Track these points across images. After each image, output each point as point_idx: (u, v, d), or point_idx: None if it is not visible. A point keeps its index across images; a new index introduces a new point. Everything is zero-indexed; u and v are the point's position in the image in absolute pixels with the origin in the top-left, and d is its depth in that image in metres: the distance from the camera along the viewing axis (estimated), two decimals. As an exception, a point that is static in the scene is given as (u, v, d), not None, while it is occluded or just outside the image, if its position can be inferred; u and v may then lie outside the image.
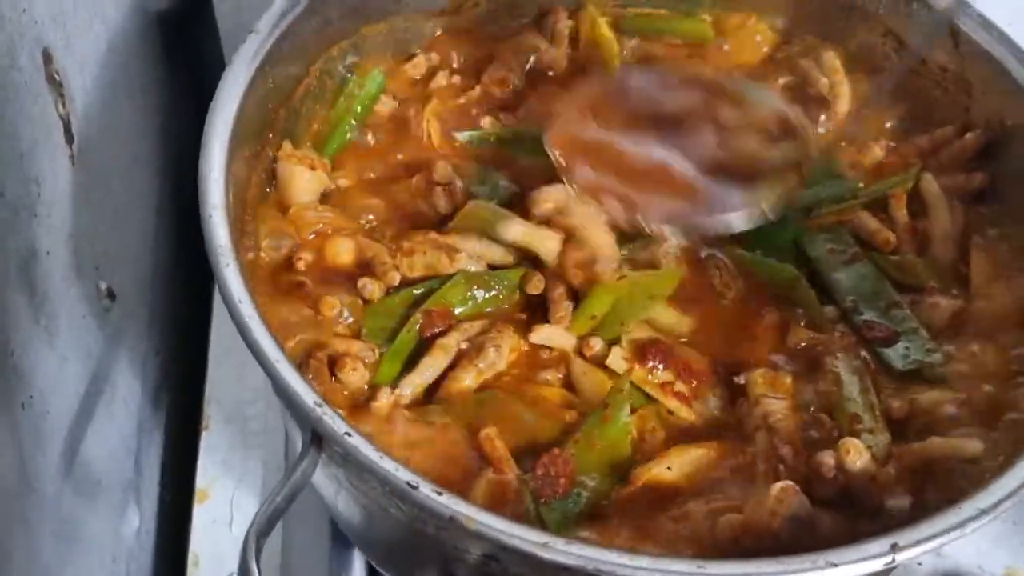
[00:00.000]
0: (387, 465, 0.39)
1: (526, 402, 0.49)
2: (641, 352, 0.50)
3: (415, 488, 0.39)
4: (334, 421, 0.40)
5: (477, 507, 0.38)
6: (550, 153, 0.54)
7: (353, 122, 0.60)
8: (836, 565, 0.37)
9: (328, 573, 0.60)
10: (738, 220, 0.53)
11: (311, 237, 0.54)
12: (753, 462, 0.47)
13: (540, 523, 0.44)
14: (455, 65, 0.64)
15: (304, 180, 0.55)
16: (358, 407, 0.48)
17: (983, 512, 0.39)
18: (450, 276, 0.52)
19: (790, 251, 0.56)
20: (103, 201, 0.58)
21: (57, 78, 0.51)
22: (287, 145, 0.56)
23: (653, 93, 0.58)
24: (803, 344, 0.52)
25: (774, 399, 0.48)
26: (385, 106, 0.61)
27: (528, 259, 0.54)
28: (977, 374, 0.50)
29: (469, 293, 0.52)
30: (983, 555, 0.62)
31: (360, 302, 0.51)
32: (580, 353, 0.51)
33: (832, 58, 0.63)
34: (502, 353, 0.50)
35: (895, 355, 0.51)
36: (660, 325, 0.53)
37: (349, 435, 0.40)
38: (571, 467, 0.45)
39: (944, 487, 0.45)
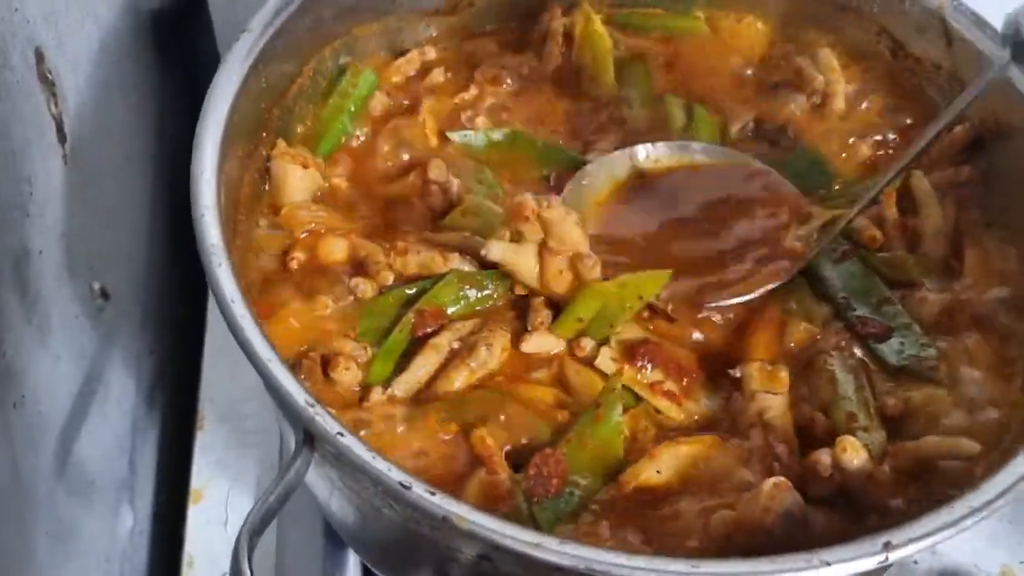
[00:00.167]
0: (380, 465, 0.39)
1: (519, 402, 0.49)
2: (630, 352, 0.50)
3: (408, 488, 0.38)
4: (326, 421, 0.40)
5: (470, 507, 0.38)
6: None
7: (346, 120, 0.60)
8: (829, 564, 0.37)
9: (322, 574, 0.60)
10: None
11: (304, 236, 0.54)
12: (747, 458, 0.47)
13: (533, 522, 0.44)
14: (448, 64, 0.64)
15: (297, 179, 0.55)
16: (351, 407, 0.48)
17: (975, 510, 0.40)
18: (443, 275, 0.52)
19: None
20: (96, 200, 0.58)
21: (49, 77, 0.51)
22: (281, 143, 0.56)
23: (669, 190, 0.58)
24: (800, 340, 0.52)
25: (770, 395, 0.48)
26: (379, 103, 0.61)
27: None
28: (973, 367, 0.50)
29: (461, 292, 0.52)
30: (979, 554, 0.62)
31: (353, 301, 0.51)
32: (571, 354, 0.51)
33: (829, 55, 0.63)
34: (494, 352, 0.50)
35: (889, 351, 0.51)
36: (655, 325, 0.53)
37: (342, 435, 0.40)
38: (563, 467, 0.45)
39: (940, 485, 0.45)
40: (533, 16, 0.66)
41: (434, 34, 0.65)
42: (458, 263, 0.53)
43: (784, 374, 0.49)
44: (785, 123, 0.62)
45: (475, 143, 0.59)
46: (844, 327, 0.53)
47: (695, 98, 0.63)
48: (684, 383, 0.50)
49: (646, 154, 0.59)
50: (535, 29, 0.66)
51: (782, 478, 0.43)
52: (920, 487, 0.45)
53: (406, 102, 0.62)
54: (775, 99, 0.63)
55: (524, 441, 0.47)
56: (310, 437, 0.41)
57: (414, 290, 0.52)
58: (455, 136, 0.60)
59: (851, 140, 0.62)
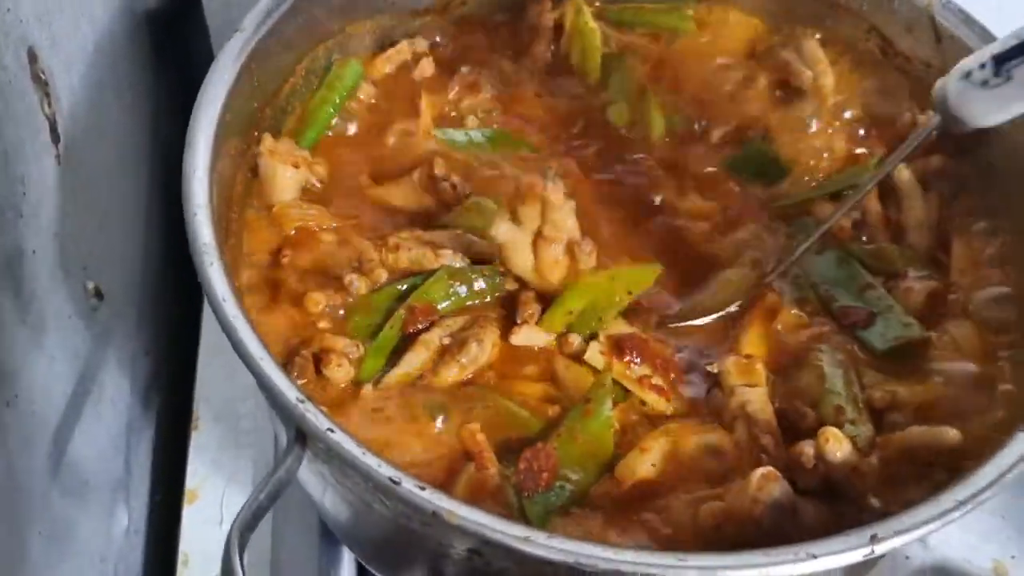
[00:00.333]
0: (369, 461, 0.39)
1: (509, 397, 0.49)
2: (618, 347, 0.50)
3: (397, 484, 0.39)
4: (317, 417, 0.40)
5: (459, 502, 0.39)
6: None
7: (332, 111, 0.60)
8: (816, 556, 0.38)
9: (317, 571, 0.60)
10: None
11: (294, 233, 0.54)
12: (734, 448, 0.47)
13: (523, 517, 0.44)
14: (437, 59, 0.65)
15: (286, 177, 0.55)
16: (343, 404, 0.48)
17: (961, 503, 0.40)
18: (434, 272, 0.52)
19: None
20: (90, 200, 0.58)
21: (43, 77, 0.51)
22: (267, 139, 0.56)
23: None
24: (789, 326, 0.53)
25: (748, 388, 0.48)
26: (366, 94, 0.61)
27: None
28: (960, 353, 0.51)
29: (451, 288, 0.52)
30: (971, 549, 0.62)
31: (344, 298, 0.51)
32: (560, 349, 0.51)
33: (814, 47, 0.64)
34: (484, 348, 0.50)
35: (874, 336, 0.52)
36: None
37: (332, 431, 0.40)
38: (553, 461, 0.46)
39: (926, 477, 0.45)
40: (524, 11, 0.66)
41: (426, 32, 0.65)
42: (449, 259, 0.53)
43: (760, 367, 0.50)
44: (766, 127, 0.62)
45: (458, 140, 0.59)
46: (829, 320, 0.53)
47: (681, 98, 0.64)
48: (671, 377, 0.50)
49: None
50: (524, 26, 0.66)
51: (770, 468, 0.44)
52: (906, 475, 0.45)
53: (397, 94, 0.62)
54: (761, 98, 0.63)
55: (514, 436, 0.48)
56: (301, 434, 0.41)
57: (405, 286, 0.52)
58: (438, 133, 0.60)
59: (835, 134, 0.62)
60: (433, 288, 0.52)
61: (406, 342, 0.50)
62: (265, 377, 0.42)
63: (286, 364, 0.48)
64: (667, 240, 0.57)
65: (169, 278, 0.74)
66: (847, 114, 0.63)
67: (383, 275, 0.52)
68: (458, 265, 0.53)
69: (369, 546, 0.57)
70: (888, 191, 0.58)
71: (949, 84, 0.49)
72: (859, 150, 0.62)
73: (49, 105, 0.51)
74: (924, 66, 0.62)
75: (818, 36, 0.65)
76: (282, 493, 0.41)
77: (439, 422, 0.48)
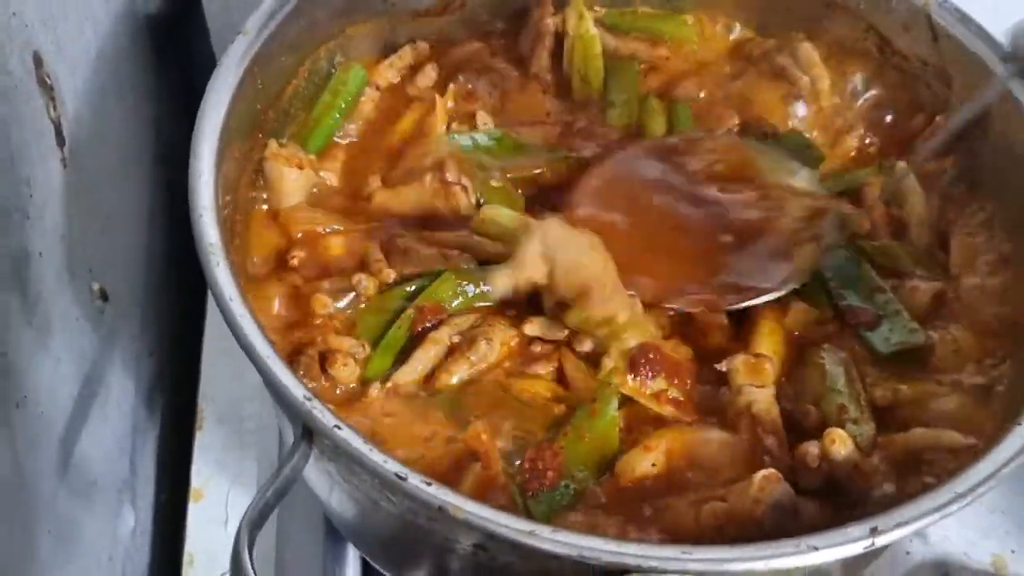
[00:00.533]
0: (376, 457, 0.40)
1: (516, 396, 0.50)
2: (632, 363, 0.49)
3: (404, 479, 0.39)
4: (323, 415, 0.41)
5: (465, 496, 0.39)
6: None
7: (337, 117, 0.60)
8: (817, 549, 0.38)
9: (323, 568, 0.61)
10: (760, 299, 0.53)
11: (300, 235, 0.54)
12: (738, 449, 0.47)
13: (527, 516, 0.44)
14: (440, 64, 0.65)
15: (292, 180, 0.56)
16: (350, 402, 0.48)
17: (959, 496, 0.40)
18: (442, 273, 0.53)
19: None
20: (95, 203, 0.59)
21: (48, 81, 0.51)
22: (273, 143, 0.56)
23: (674, 169, 0.58)
24: (798, 320, 0.53)
25: (756, 388, 0.49)
26: (370, 100, 0.62)
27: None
28: (960, 356, 0.51)
29: (459, 288, 0.52)
30: (970, 544, 0.63)
31: (352, 299, 0.52)
32: (570, 347, 0.52)
33: (809, 51, 0.64)
34: (493, 346, 0.50)
35: (878, 339, 0.52)
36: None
37: (339, 428, 0.40)
38: (559, 460, 0.46)
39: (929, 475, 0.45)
40: (524, 15, 0.67)
41: (427, 34, 0.66)
42: (457, 260, 0.53)
43: (768, 367, 0.50)
44: (768, 128, 0.62)
45: (464, 145, 0.60)
46: (833, 316, 0.53)
47: (681, 101, 0.64)
48: (688, 386, 0.50)
49: None
50: (525, 31, 0.66)
51: (772, 470, 0.44)
52: (907, 475, 0.46)
53: (400, 98, 0.62)
54: (760, 103, 0.63)
55: (521, 435, 0.48)
56: (308, 431, 0.42)
57: (414, 287, 0.52)
58: (443, 140, 0.60)
59: (836, 135, 0.63)
60: (441, 288, 0.52)
61: (414, 342, 0.51)
62: (272, 376, 0.42)
63: (291, 363, 0.48)
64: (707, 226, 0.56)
65: (173, 279, 0.74)
66: (847, 115, 0.63)
67: (391, 276, 0.52)
68: (465, 266, 0.53)
69: (375, 543, 0.57)
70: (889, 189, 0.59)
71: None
72: (859, 148, 0.62)
73: (54, 109, 0.52)
74: (921, 64, 0.63)
75: (807, 41, 0.65)
76: (289, 490, 0.41)
77: (446, 421, 0.48)
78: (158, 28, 0.74)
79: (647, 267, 0.53)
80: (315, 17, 0.59)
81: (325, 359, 0.49)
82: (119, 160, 0.65)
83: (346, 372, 0.48)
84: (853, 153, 0.62)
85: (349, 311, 0.51)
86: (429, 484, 0.39)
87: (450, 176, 0.56)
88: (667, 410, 0.49)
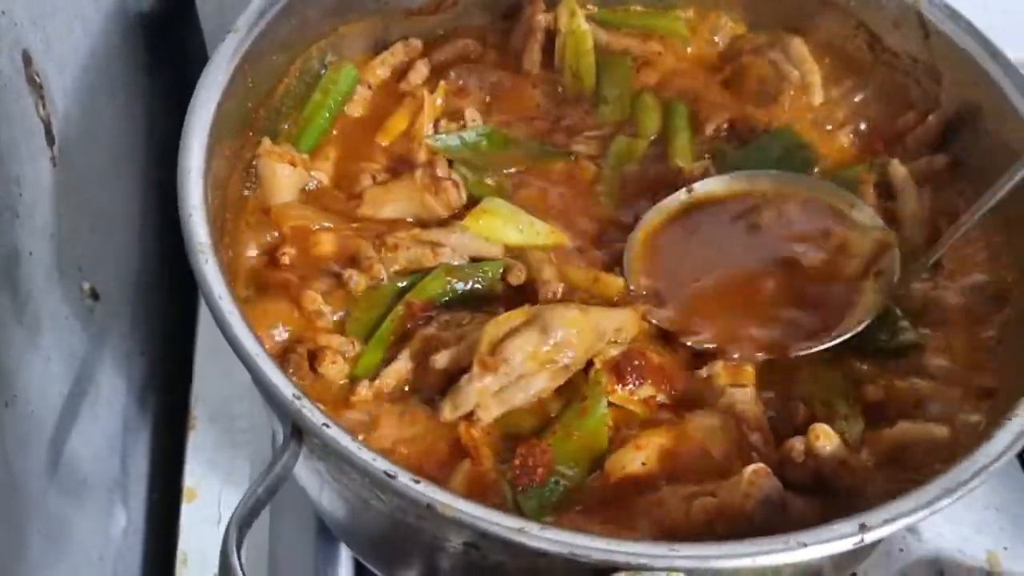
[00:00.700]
0: (365, 455, 0.40)
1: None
2: (618, 371, 0.49)
3: (393, 477, 0.39)
4: (312, 413, 0.41)
5: (454, 494, 0.39)
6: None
7: (328, 116, 0.60)
8: (806, 545, 0.38)
9: (315, 568, 0.61)
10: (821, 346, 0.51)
11: (291, 232, 0.54)
12: (727, 446, 0.47)
13: (518, 511, 0.44)
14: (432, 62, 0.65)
15: (285, 177, 0.56)
16: (338, 400, 0.48)
17: (948, 492, 0.40)
18: (432, 269, 0.53)
19: None
20: (85, 201, 0.59)
21: (37, 80, 0.51)
22: (266, 141, 0.56)
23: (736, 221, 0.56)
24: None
25: (738, 388, 0.49)
26: (361, 98, 0.62)
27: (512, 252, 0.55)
28: (953, 353, 0.51)
29: (449, 285, 0.52)
30: (964, 541, 0.63)
31: (342, 296, 0.52)
32: None
33: (799, 45, 0.64)
34: (482, 343, 0.50)
35: (869, 336, 0.52)
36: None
37: (327, 426, 0.40)
38: (548, 457, 0.46)
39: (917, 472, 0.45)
40: (516, 12, 0.67)
41: (419, 32, 0.66)
42: (448, 258, 0.53)
43: (749, 368, 0.50)
44: (758, 125, 0.62)
45: (451, 144, 0.60)
46: None
47: (673, 98, 0.64)
48: (673, 389, 0.50)
49: (699, 188, 0.57)
50: (517, 27, 0.66)
51: (761, 465, 0.44)
52: (895, 471, 0.46)
53: (391, 95, 0.62)
54: (751, 98, 0.63)
55: (510, 432, 0.48)
56: (297, 430, 0.42)
57: (404, 283, 0.52)
58: (431, 140, 0.60)
59: (827, 132, 0.63)
60: (431, 285, 0.52)
61: (405, 339, 0.50)
62: (261, 374, 0.42)
63: (281, 361, 0.48)
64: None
65: (164, 278, 0.74)
66: (838, 111, 0.63)
67: (381, 273, 0.52)
68: (456, 263, 0.53)
69: (366, 542, 0.57)
70: (883, 185, 0.59)
71: None
72: (852, 146, 0.62)
73: (44, 107, 0.52)
74: (911, 61, 0.63)
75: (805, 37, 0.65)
76: (279, 488, 0.41)
77: (435, 418, 0.48)
78: (150, 26, 0.74)
79: (712, 314, 0.52)
80: (307, 16, 0.59)
81: (314, 357, 0.49)
82: (110, 159, 0.65)
83: (335, 370, 0.48)
84: (844, 150, 0.62)
85: (338, 308, 0.51)
86: (418, 482, 0.39)
87: (440, 171, 0.56)
88: (656, 414, 0.49)
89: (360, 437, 0.41)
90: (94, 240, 0.60)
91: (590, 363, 0.50)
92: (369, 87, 0.63)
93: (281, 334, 0.50)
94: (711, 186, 0.58)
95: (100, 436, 0.60)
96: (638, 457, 0.47)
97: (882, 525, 0.39)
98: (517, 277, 0.53)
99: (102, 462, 0.61)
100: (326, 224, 0.55)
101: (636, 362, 0.49)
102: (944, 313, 0.54)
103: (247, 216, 0.55)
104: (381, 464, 0.39)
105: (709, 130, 0.62)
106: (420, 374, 0.49)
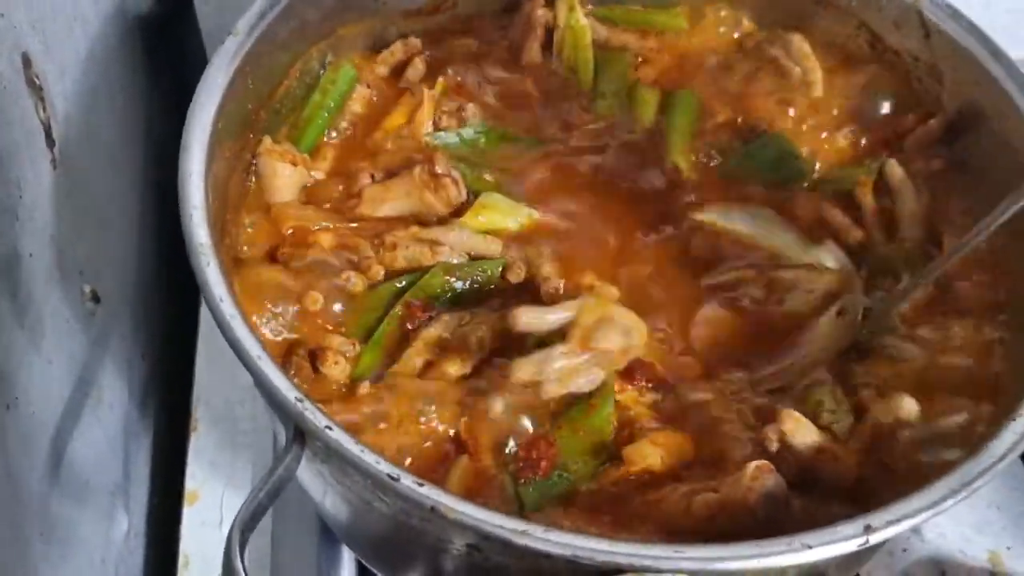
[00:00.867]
0: (368, 458, 0.39)
1: (507, 390, 0.49)
2: (627, 372, 0.49)
3: (396, 480, 0.39)
4: (315, 416, 0.41)
5: (457, 497, 0.39)
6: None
7: (327, 115, 0.60)
8: (811, 547, 0.38)
9: (317, 570, 0.61)
10: None
11: (290, 232, 0.54)
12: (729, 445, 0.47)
13: (517, 500, 0.45)
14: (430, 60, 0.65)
15: (285, 176, 0.56)
16: (340, 400, 0.48)
17: (953, 492, 0.40)
18: (431, 268, 0.53)
19: None
20: (86, 204, 0.59)
21: (37, 82, 0.51)
22: (267, 140, 0.56)
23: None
24: None
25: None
26: (360, 97, 0.62)
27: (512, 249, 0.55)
28: (954, 351, 0.51)
29: (448, 284, 0.52)
30: (966, 541, 0.63)
31: (343, 296, 0.52)
32: None
33: (800, 41, 0.64)
34: (485, 344, 0.50)
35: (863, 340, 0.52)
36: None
37: (330, 429, 0.40)
38: (553, 451, 0.46)
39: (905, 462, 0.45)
40: (515, 8, 0.66)
41: (418, 33, 0.66)
42: (446, 256, 0.53)
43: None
44: (759, 121, 0.62)
45: (450, 142, 0.60)
46: None
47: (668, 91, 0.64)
48: (677, 398, 0.50)
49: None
50: (515, 22, 0.66)
51: (764, 461, 0.44)
52: (880, 460, 0.46)
53: (390, 94, 0.62)
54: (752, 95, 0.63)
55: (513, 428, 0.48)
56: (300, 433, 0.42)
57: (403, 283, 0.52)
58: (430, 138, 0.60)
59: (827, 132, 0.63)
60: (430, 284, 0.52)
61: (405, 339, 0.51)
62: (263, 376, 0.42)
63: (283, 363, 0.48)
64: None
65: (165, 280, 0.74)
66: (838, 111, 0.63)
67: (380, 272, 0.52)
68: (455, 261, 0.53)
69: (369, 545, 0.57)
70: (881, 186, 0.59)
71: None
72: (851, 146, 0.62)
73: (43, 110, 0.52)
74: (913, 60, 0.63)
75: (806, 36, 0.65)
76: (282, 491, 0.41)
77: (438, 417, 0.48)
78: (149, 28, 0.74)
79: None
80: (306, 17, 0.59)
81: (315, 357, 0.49)
82: (110, 161, 0.65)
83: (337, 370, 0.48)
84: (843, 150, 0.62)
85: (339, 308, 0.51)
86: (422, 485, 0.39)
87: (439, 168, 0.55)
88: (660, 419, 0.50)
89: (360, 436, 0.41)
90: (94, 242, 0.60)
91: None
92: (368, 86, 0.63)
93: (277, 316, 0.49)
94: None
95: (102, 439, 0.60)
96: (656, 452, 0.47)
97: (887, 526, 0.39)
98: (517, 275, 0.53)
99: (104, 465, 0.61)
100: (325, 224, 0.55)
101: (645, 363, 0.50)
102: (948, 312, 0.54)
103: (247, 216, 0.55)
104: (384, 467, 0.39)
105: (707, 127, 0.62)
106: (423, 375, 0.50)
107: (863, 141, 0.63)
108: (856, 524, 0.39)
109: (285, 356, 0.49)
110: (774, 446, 0.45)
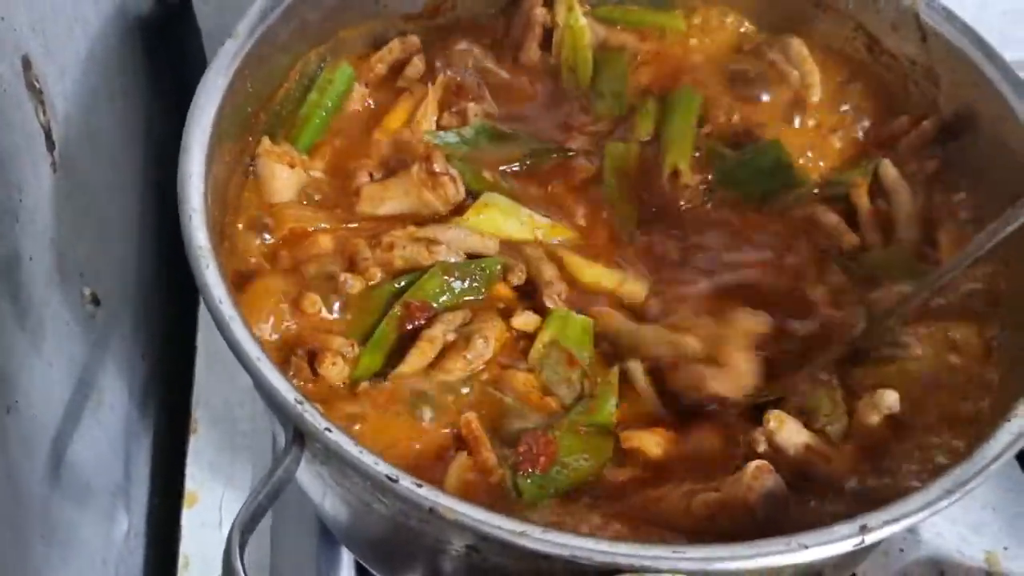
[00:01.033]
0: (367, 459, 0.40)
1: (509, 392, 0.50)
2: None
3: (395, 481, 0.39)
4: (315, 417, 0.41)
5: (456, 498, 0.39)
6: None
7: (325, 115, 0.60)
8: (807, 547, 0.38)
9: (316, 571, 0.61)
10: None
11: (289, 233, 0.54)
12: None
13: (515, 491, 0.45)
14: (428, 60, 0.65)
15: (284, 178, 0.56)
16: (339, 401, 0.48)
17: (948, 492, 0.40)
18: (429, 268, 0.53)
19: None
20: (86, 207, 0.59)
21: (37, 85, 0.51)
22: (266, 141, 0.56)
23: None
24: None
25: None
26: (359, 96, 0.62)
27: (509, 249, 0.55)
28: (952, 352, 0.51)
29: (446, 284, 0.52)
30: (963, 541, 0.63)
31: (340, 298, 0.52)
32: None
33: (799, 45, 0.64)
34: (490, 343, 0.50)
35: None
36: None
37: (330, 430, 0.40)
38: (553, 448, 0.46)
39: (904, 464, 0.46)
40: (514, 8, 0.67)
41: (418, 35, 0.66)
42: (444, 255, 0.53)
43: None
44: (756, 125, 0.62)
45: (450, 141, 0.60)
46: None
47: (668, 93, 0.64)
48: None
49: None
50: (514, 22, 0.66)
51: (764, 461, 0.44)
52: (879, 459, 0.46)
53: (386, 93, 0.62)
54: (750, 99, 0.64)
55: (513, 429, 0.48)
56: (299, 434, 0.42)
57: (402, 283, 0.52)
58: (431, 137, 0.60)
59: (824, 134, 0.63)
60: (428, 284, 0.52)
61: (406, 339, 0.51)
62: (263, 378, 0.42)
63: (282, 365, 0.48)
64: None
65: (165, 282, 0.74)
66: (835, 113, 0.63)
67: (378, 274, 0.52)
68: (452, 260, 0.53)
69: (368, 546, 0.57)
70: (876, 188, 0.59)
71: None
72: (847, 149, 0.63)
73: (44, 113, 0.52)
74: (910, 64, 0.63)
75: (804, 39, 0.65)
76: (281, 493, 0.41)
77: (438, 418, 0.48)
78: (149, 30, 0.74)
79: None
80: (306, 20, 0.59)
81: (314, 358, 0.49)
82: (110, 163, 0.65)
83: (335, 371, 0.49)
84: (838, 153, 0.62)
85: (338, 310, 0.51)
86: (420, 486, 0.39)
87: (437, 167, 0.55)
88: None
89: (360, 438, 0.41)
90: (95, 244, 0.60)
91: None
92: (366, 84, 0.63)
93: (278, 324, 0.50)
94: None
95: (102, 440, 0.60)
96: (652, 439, 0.47)
97: (883, 526, 0.39)
98: (518, 277, 0.54)
99: (104, 466, 0.61)
100: (324, 225, 0.55)
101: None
102: (946, 314, 0.54)
103: (246, 217, 0.55)
104: (383, 468, 0.39)
105: (705, 130, 0.62)
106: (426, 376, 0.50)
107: (859, 143, 0.63)
108: (852, 524, 0.39)
109: (284, 358, 0.49)
110: (761, 447, 0.46)
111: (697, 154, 0.61)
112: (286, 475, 0.41)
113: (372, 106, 0.62)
